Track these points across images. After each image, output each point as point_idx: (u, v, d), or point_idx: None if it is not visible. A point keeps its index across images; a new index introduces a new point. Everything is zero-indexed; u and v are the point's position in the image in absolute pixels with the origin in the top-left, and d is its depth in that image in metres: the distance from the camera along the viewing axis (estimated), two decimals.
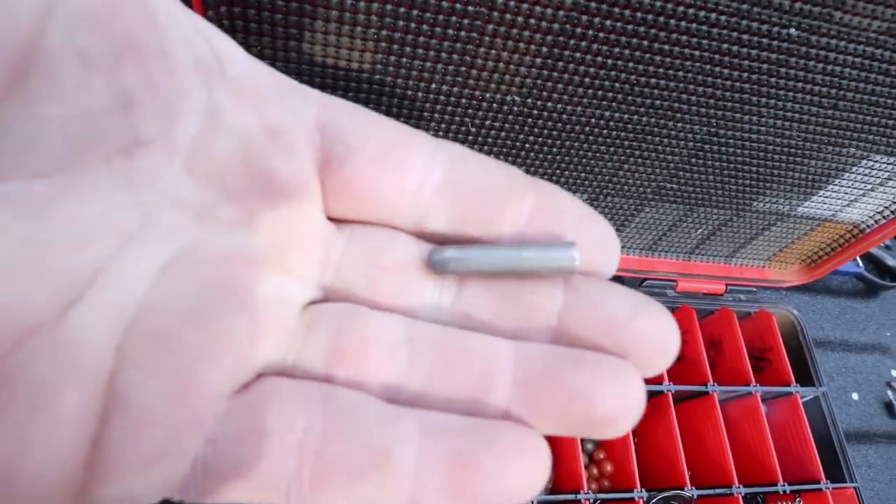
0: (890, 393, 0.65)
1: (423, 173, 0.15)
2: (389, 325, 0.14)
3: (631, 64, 0.32)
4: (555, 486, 0.46)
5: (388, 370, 0.14)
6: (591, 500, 0.41)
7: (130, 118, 0.11)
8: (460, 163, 0.15)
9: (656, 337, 0.14)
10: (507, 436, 0.13)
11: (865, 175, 0.43)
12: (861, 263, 0.68)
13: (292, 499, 0.12)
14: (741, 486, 0.45)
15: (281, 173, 0.14)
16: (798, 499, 0.49)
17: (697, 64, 0.32)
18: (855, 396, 0.64)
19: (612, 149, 0.38)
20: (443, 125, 0.35)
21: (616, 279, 0.61)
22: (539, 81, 0.33)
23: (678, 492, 0.44)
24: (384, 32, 0.29)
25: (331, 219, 0.15)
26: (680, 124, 0.37)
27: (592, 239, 0.15)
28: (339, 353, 0.14)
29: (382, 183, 0.15)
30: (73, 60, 0.10)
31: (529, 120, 0.35)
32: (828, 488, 0.47)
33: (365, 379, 0.14)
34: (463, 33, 0.29)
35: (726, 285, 0.55)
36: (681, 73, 0.33)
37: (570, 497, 0.41)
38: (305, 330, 0.14)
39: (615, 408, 0.13)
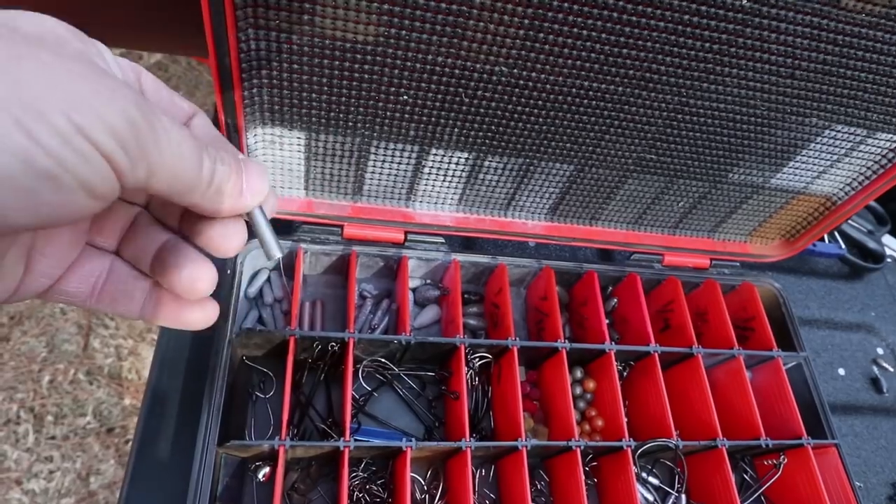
0: (876, 369, 0.68)
1: None
2: None
3: (604, 35, 0.36)
4: (550, 439, 0.48)
5: None
6: (582, 448, 0.44)
7: None
8: None
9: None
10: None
11: (830, 145, 0.47)
12: (843, 245, 0.71)
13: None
14: (725, 439, 0.48)
15: None
16: (783, 457, 0.52)
17: (663, 35, 0.36)
18: (841, 371, 0.66)
19: (592, 118, 0.42)
20: (439, 96, 0.40)
21: (604, 253, 0.64)
22: (523, 52, 0.37)
23: (664, 442, 0.46)
24: (385, 6, 0.33)
25: None
26: (653, 94, 0.41)
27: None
28: None
29: None
30: None
31: (517, 90, 0.40)
32: (809, 444, 0.50)
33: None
34: (454, 6, 0.33)
35: (711, 259, 0.58)
36: (649, 44, 0.37)
37: (562, 444, 0.44)
38: None
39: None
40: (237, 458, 0.42)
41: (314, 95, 0.39)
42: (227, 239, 0.26)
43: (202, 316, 0.27)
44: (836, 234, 0.72)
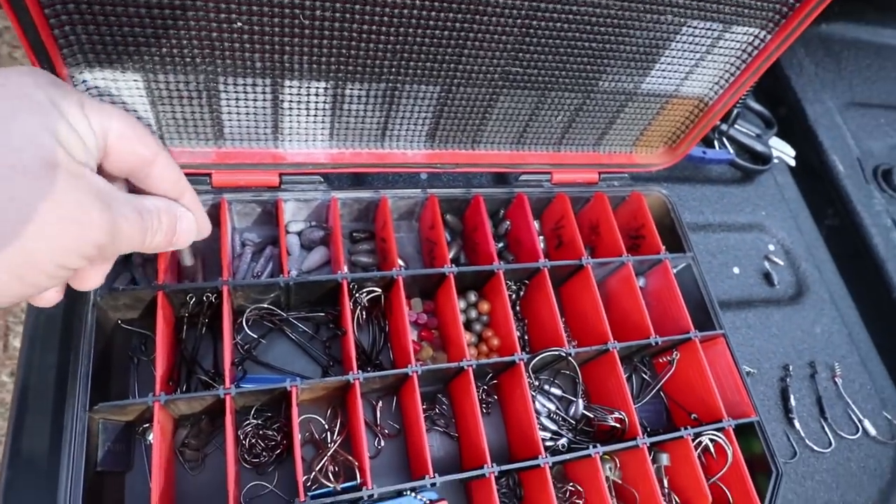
0: (767, 264, 0.71)
1: None
2: None
3: None
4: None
5: None
6: (474, 367, 0.45)
7: None
8: None
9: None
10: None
11: (690, 43, 0.47)
12: (732, 151, 0.74)
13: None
14: (616, 342, 0.50)
15: None
16: (675, 353, 0.54)
17: None
18: (736, 270, 0.69)
19: (445, 32, 0.41)
20: (276, 20, 0.37)
21: (498, 177, 0.63)
22: None
23: (556, 351, 0.48)
24: None
25: None
26: None
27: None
28: None
29: None
30: None
31: (357, 6, 0.37)
32: (696, 337, 0.52)
33: None
34: None
35: (599, 173, 0.59)
36: None
37: (454, 365, 0.45)
38: None
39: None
40: (120, 423, 0.41)
41: (137, 29, 0.36)
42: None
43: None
44: (725, 140, 0.74)
